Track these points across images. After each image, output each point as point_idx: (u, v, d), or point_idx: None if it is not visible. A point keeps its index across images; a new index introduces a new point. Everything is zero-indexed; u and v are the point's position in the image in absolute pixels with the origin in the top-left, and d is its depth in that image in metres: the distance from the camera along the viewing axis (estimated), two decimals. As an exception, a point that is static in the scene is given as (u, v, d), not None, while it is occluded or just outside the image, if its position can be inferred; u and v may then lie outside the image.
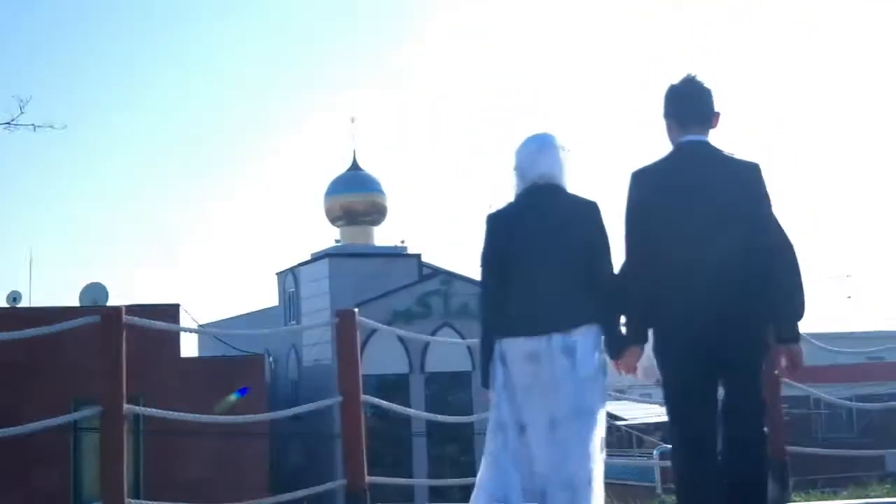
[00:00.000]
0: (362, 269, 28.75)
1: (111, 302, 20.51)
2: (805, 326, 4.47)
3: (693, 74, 4.38)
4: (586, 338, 4.21)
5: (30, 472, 16.92)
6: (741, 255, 4.10)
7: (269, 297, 33.84)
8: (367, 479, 5.92)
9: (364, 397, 6.08)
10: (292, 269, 31.42)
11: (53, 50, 61.29)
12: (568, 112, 69.47)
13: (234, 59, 64.50)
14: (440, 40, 71.77)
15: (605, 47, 73.61)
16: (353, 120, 36.16)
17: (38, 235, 56.12)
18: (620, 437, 28.53)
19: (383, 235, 32.65)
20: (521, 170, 4.44)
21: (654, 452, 21.67)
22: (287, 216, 64.57)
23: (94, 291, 21.86)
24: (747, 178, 4.24)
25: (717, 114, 4.34)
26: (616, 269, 4.35)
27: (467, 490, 4.51)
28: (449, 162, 67.99)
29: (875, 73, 70.12)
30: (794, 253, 4.64)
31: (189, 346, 26.88)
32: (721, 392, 4.22)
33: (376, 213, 32.25)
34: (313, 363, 28.09)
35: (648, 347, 4.30)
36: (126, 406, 5.25)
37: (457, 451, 26.09)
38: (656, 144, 4.42)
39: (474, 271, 4.64)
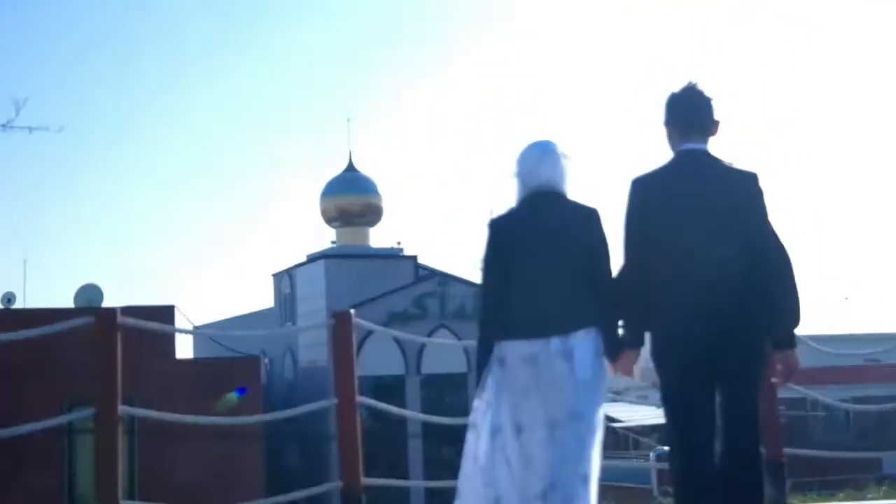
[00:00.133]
0: (358, 271, 28.78)
1: (106, 303, 20.47)
2: (801, 329, 4.47)
3: (694, 82, 4.41)
4: (585, 342, 4.22)
5: (25, 474, 16.85)
6: (739, 263, 4.14)
7: (264, 298, 33.91)
8: (363, 480, 5.93)
9: (360, 399, 6.08)
10: (288, 271, 31.45)
11: (49, 52, 61.29)
12: (568, 112, 69.66)
13: (230, 59, 64.56)
14: (439, 40, 71.85)
15: (606, 47, 73.80)
16: (349, 121, 36.30)
17: (32, 237, 56.11)
18: (617, 439, 28.55)
19: (379, 237, 32.75)
20: (522, 176, 4.47)
21: (651, 454, 21.69)
22: (283, 217, 64.62)
23: (89, 293, 21.83)
24: (745, 187, 4.27)
25: (718, 122, 4.37)
26: (615, 274, 4.37)
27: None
28: (445, 163, 68.11)
29: (875, 74, 70.32)
30: (789, 261, 4.64)
31: (184, 348, 26.92)
32: (718, 398, 4.23)
33: (372, 215, 32.25)
34: (309, 365, 28.08)
35: (645, 350, 4.32)
36: (121, 407, 5.24)
37: (453, 453, 25.81)
38: (656, 145, 4.45)
39: (470, 273, 4.64)
